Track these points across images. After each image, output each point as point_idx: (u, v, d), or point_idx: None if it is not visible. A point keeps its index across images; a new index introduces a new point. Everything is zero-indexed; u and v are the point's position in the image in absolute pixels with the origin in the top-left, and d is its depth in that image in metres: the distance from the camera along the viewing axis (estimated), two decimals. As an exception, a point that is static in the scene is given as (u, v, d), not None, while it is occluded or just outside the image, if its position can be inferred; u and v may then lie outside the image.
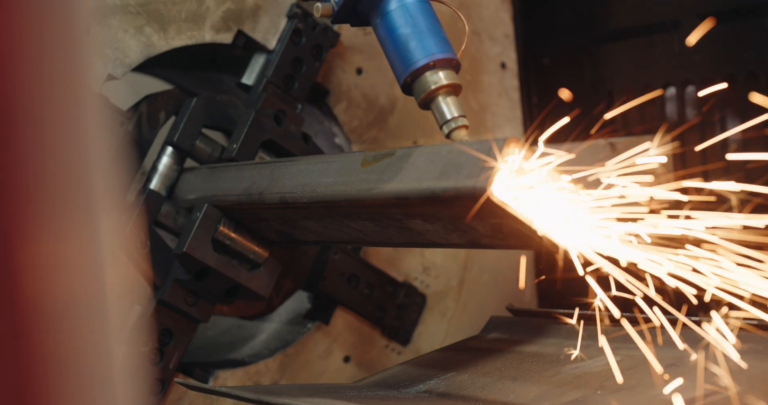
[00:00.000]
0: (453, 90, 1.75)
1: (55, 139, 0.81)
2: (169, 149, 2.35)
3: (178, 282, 2.27)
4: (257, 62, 2.49)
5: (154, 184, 2.33)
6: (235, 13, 2.45)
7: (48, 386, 0.79)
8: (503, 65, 2.82)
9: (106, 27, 2.31)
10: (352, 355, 2.63)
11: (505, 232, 1.68)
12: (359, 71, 2.62)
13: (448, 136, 1.78)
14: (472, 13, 2.77)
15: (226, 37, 2.45)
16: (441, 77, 1.74)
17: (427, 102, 1.77)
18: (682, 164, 2.64)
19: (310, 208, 1.99)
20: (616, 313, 1.83)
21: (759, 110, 2.50)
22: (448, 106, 1.76)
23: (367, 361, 2.66)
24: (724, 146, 2.57)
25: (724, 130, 2.57)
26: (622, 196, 1.61)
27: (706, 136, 2.61)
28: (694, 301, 1.73)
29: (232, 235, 2.26)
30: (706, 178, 2.44)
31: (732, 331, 1.76)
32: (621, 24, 2.77)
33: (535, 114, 2.90)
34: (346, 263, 2.58)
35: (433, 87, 1.75)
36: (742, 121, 2.54)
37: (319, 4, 1.96)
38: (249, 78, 2.49)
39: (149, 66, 2.43)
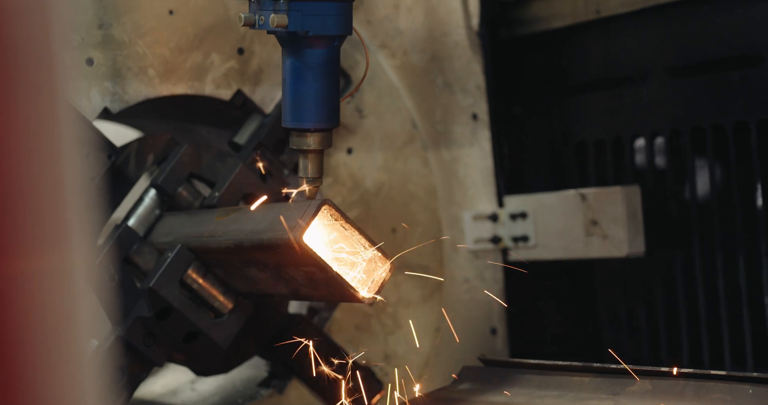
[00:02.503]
0: (321, 150, 2.03)
1: (31, 162, 0.82)
2: (152, 191, 2.36)
3: (140, 320, 2.25)
4: (252, 124, 2.50)
5: (131, 222, 2.33)
6: (238, 72, 2.47)
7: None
8: (475, 116, 2.85)
9: (111, 60, 2.32)
10: None
11: (318, 280, 1.99)
12: (349, 151, 2.64)
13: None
14: (444, 66, 2.80)
15: (226, 94, 2.47)
16: (315, 142, 2.01)
17: (296, 151, 2.04)
18: (651, 216, 2.66)
19: None
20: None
21: (725, 161, 2.54)
22: (311, 166, 2.04)
23: (314, 438, 2.60)
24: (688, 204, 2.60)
25: (692, 180, 2.60)
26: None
27: (675, 185, 2.64)
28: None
29: (200, 280, 2.26)
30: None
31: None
32: (590, 76, 2.81)
33: (507, 164, 2.92)
34: (308, 335, 2.54)
35: (305, 147, 2.01)
36: (711, 172, 2.57)
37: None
38: (241, 138, 2.50)
39: (125, 115, 2.44)
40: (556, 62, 2.88)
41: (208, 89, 2.45)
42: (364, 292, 1.95)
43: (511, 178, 2.91)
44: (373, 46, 2.66)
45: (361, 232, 1.97)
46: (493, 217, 2.82)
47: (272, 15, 1.91)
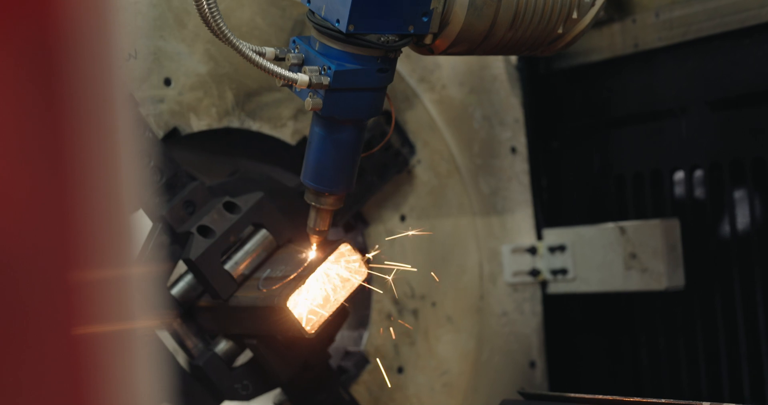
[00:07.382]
0: (331, 209, 2.14)
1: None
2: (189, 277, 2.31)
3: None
4: None
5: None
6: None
7: None
8: (513, 149, 2.86)
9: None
10: None
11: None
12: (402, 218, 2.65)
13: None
14: (482, 99, 2.82)
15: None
16: (329, 203, 2.11)
17: (308, 203, 2.14)
18: (691, 249, 2.66)
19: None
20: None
21: (765, 194, 2.53)
22: (320, 221, 2.14)
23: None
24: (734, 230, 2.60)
25: (732, 213, 2.60)
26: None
27: (715, 218, 2.63)
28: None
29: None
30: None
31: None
32: (629, 109, 2.81)
33: (545, 197, 2.93)
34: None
35: (319, 206, 2.12)
36: (751, 205, 2.56)
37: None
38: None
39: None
40: (594, 96, 2.88)
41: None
42: (361, 277, 2.19)
43: (550, 211, 2.91)
44: (413, 80, 2.68)
45: (314, 270, 2.14)
46: (532, 250, 2.82)
47: (308, 98, 1.97)
